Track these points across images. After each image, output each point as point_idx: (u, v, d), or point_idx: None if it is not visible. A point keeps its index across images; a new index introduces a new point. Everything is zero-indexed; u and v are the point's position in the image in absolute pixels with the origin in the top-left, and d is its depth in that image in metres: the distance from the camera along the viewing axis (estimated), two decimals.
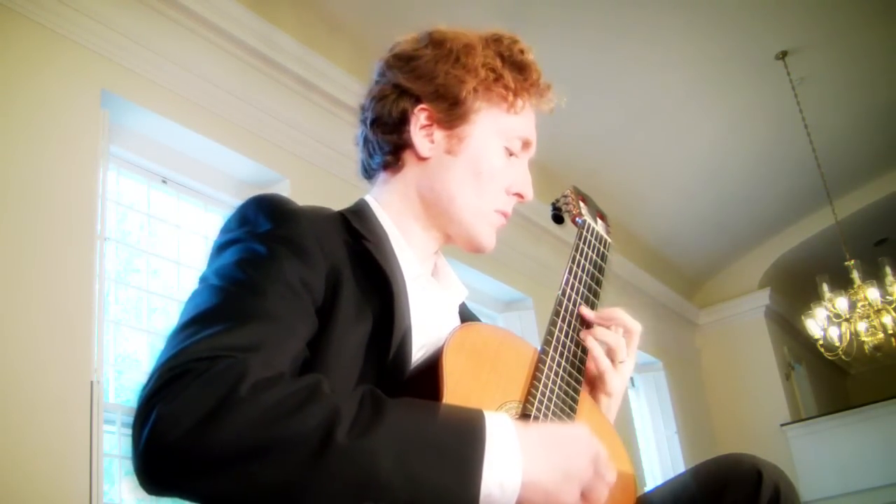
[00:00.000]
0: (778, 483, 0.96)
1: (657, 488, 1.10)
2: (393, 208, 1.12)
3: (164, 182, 3.02)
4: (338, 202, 1.16)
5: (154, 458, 0.74)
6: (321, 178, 3.37)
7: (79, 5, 2.62)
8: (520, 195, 1.14)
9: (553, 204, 1.28)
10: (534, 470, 0.83)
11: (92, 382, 2.32)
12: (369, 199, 1.14)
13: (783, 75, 4.61)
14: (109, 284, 2.68)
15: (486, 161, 1.10)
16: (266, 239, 0.93)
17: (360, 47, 3.63)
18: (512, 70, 1.12)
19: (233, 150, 3.09)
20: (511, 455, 0.82)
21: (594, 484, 0.88)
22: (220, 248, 0.96)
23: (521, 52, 1.13)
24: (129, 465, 0.79)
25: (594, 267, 1.19)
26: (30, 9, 2.50)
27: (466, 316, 1.20)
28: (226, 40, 3.09)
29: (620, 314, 1.14)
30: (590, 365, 1.12)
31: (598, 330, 1.12)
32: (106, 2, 2.71)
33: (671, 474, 1.28)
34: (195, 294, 0.91)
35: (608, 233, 1.28)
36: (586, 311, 1.12)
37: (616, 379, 1.12)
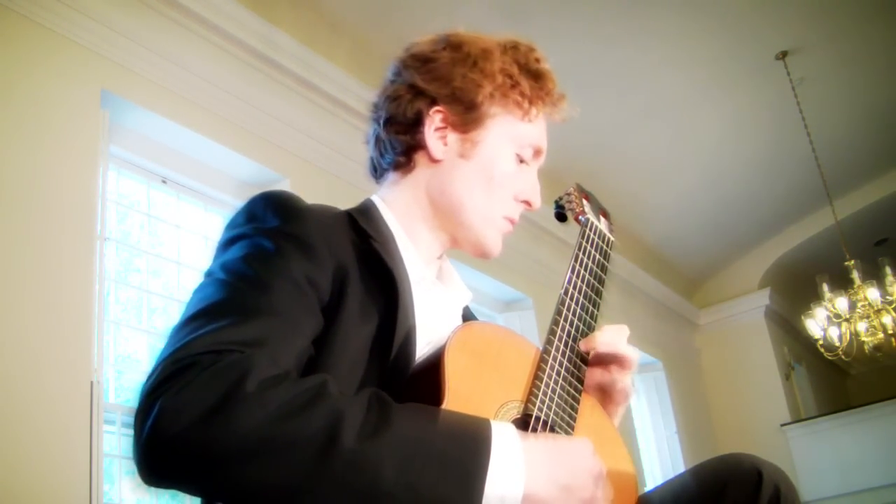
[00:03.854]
0: (778, 483, 0.96)
1: (657, 488, 1.10)
2: (400, 209, 1.12)
3: (164, 182, 3.02)
4: (338, 202, 1.15)
5: (156, 450, 0.74)
6: (321, 178, 3.37)
7: (79, 5, 2.62)
8: (528, 203, 1.14)
9: (556, 202, 1.27)
10: (536, 484, 0.83)
11: (92, 382, 2.32)
12: (376, 199, 1.14)
13: (783, 75, 4.61)
14: (109, 284, 2.68)
15: (497, 167, 1.10)
16: (274, 235, 0.92)
17: (360, 47, 3.63)
18: (528, 78, 1.11)
19: (233, 150, 3.09)
20: (514, 469, 0.81)
21: (594, 502, 0.88)
22: (227, 242, 0.96)
23: (537, 60, 1.13)
24: (129, 465, 0.78)
25: (597, 266, 1.18)
26: (30, 9, 2.50)
27: (469, 320, 1.19)
28: (226, 40, 3.09)
29: (619, 344, 1.08)
30: (598, 375, 1.09)
31: (607, 345, 1.08)
32: (106, 2, 2.71)
33: (671, 474, 1.28)
34: (201, 287, 0.90)
35: (611, 231, 1.28)
36: (585, 346, 1.07)
37: (630, 385, 1.10)
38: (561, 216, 1.27)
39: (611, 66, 4.32)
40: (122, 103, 2.73)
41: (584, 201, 1.27)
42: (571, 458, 0.88)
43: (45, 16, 2.54)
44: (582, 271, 1.16)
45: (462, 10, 3.44)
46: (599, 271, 1.18)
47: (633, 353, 1.09)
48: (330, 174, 3.38)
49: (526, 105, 1.11)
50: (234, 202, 3.09)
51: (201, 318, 0.83)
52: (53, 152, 2.46)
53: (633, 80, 4.47)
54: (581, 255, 1.17)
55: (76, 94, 2.58)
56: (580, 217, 1.24)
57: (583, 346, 1.07)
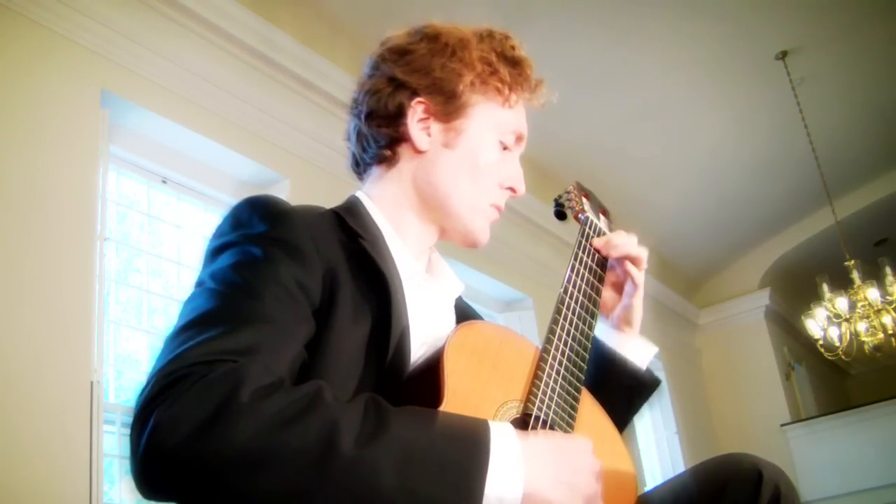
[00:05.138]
0: (778, 483, 0.96)
1: (657, 488, 1.10)
2: (387, 203, 1.11)
3: (164, 182, 3.02)
4: (338, 202, 1.15)
5: (153, 463, 0.74)
6: (321, 178, 3.37)
7: (79, 5, 2.62)
8: (512, 189, 1.15)
9: (556, 200, 1.27)
10: (536, 483, 0.83)
11: (92, 382, 2.32)
12: (361, 195, 1.13)
13: (783, 75, 4.61)
14: (109, 284, 2.68)
15: (482, 154, 1.11)
16: (261, 241, 0.92)
17: (360, 47, 3.61)
18: (506, 65, 1.12)
19: (233, 150, 3.09)
20: (513, 470, 0.81)
21: (596, 500, 0.88)
22: (216, 251, 0.96)
23: (513, 47, 1.14)
24: (128, 466, 0.78)
25: (597, 264, 1.19)
26: (30, 9, 2.50)
27: (463, 310, 1.19)
28: (226, 40, 3.08)
29: (630, 246, 1.20)
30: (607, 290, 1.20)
31: (619, 247, 1.19)
32: (106, 2, 2.70)
33: (671, 474, 1.28)
34: (191, 298, 0.90)
35: (611, 229, 1.28)
36: (598, 244, 1.19)
37: (641, 278, 1.21)
38: (560, 214, 1.27)
39: (611, 67, 4.32)
40: (122, 103, 2.72)
41: (584, 200, 1.27)
42: (572, 455, 0.88)
43: (45, 16, 2.54)
44: (582, 270, 1.16)
45: (462, 10, 3.42)
46: (599, 270, 1.18)
47: (643, 252, 1.20)
48: (330, 174, 3.38)
49: (506, 92, 1.12)
50: (234, 202, 3.09)
51: (193, 328, 0.83)
52: (53, 152, 2.46)
53: (633, 80, 4.47)
54: (581, 253, 1.17)
55: (76, 94, 2.58)
56: (580, 215, 1.24)
57: (601, 248, 1.18)
